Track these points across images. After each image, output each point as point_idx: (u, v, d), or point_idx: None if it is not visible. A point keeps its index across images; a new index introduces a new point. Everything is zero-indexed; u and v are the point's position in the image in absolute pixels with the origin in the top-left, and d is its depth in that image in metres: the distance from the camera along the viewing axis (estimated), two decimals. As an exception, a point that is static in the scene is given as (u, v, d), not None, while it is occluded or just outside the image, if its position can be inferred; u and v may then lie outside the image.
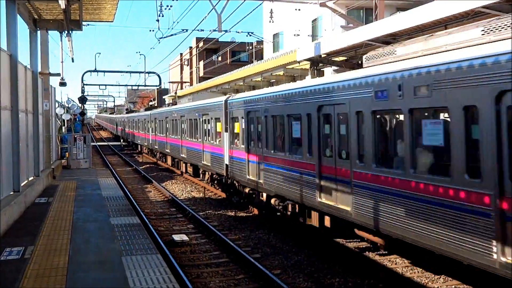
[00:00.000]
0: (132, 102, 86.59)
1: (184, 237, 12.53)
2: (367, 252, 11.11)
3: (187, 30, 24.14)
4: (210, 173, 20.23)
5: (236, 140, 16.46)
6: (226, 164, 17.24)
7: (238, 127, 16.10)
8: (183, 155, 25.02)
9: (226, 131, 17.18)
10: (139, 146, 46.42)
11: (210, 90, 35.04)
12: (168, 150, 29.56)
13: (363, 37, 11.74)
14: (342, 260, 10.59)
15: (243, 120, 15.43)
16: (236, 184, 16.83)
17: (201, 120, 20.90)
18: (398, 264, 10.31)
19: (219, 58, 48.79)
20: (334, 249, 11.24)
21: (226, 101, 17.39)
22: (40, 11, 18.38)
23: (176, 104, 30.65)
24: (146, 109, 44.02)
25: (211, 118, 19.23)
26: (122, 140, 59.18)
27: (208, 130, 19.86)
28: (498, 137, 6.34)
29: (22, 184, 14.01)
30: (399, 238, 8.47)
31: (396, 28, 10.71)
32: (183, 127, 24.92)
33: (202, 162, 20.63)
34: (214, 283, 9.49)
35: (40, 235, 10.51)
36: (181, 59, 61.84)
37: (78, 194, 16.32)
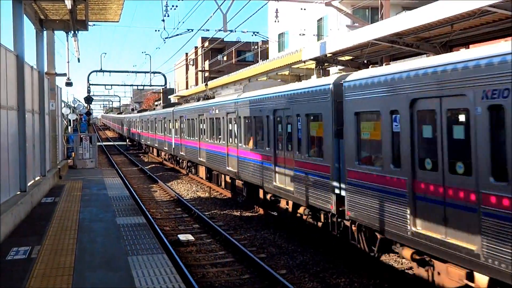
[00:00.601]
0: (138, 102, 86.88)
1: (190, 237, 12.55)
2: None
3: (192, 30, 24.19)
4: (289, 201, 13.05)
5: (367, 154, 9.61)
6: (337, 195, 10.41)
7: (373, 129, 9.23)
8: (230, 168, 17.76)
9: (337, 136, 10.38)
10: (152, 149, 39.90)
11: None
12: (202, 159, 22.03)
13: (369, 37, 11.71)
14: (348, 260, 10.57)
15: (401, 117, 8.27)
16: (362, 232, 9.85)
17: (271, 118, 13.67)
18: (404, 263, 10.28)
19: (225, 58, 48.86)
20: (339, 249, 11.21)
21: (338, 83, 10.34)
22: (46, 11, 18.45)
23: (209, 98, 22.73)
24: (165, 106, 36.33)
25: (295, 116, 12.27)
26: (128, 140, 58.88)
27: (289, 133, 12.77)
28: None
29: (28, 184, 14.07)
30: None
31: (402, 27, 10.68)
32: (231, 128, 17.72)
33: (274, 183, 13.59)
34: (219, 283, 9.50)
35: (47, 234, 10.56)
36: (186, 59, 61.95)
37: (84, 194, 16.37)
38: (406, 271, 9.85)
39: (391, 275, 9.58)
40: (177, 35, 24.28)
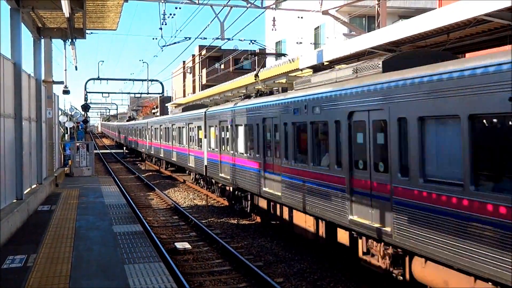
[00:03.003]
0: (135, 109, 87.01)
1: (187, 245, 12.51)
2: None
3: (190, 38, 24.19)
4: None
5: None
6: None
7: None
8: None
9: None
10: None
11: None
12: None
13: (366, 45, 11.78)
14: (346, 268, 10.54)
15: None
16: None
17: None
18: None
19: (222, 66, 48.94)
20: (337, 257, 11.19)
21: None
22: (44, 19, 18.48)
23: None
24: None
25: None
26: (125, 150, 58.21)
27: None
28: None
29: (25, 192, 14.03)
30: None
31: (398, 36, 10.75)
32: None
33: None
34: (216, 291, 9.47)
35: (43, 243, 10.51)
36: (184, 67, 62.03)
37: (81, 202, 16.32)
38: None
39: (389, 283, 9.56)
40: (175, 43, 24.29)
